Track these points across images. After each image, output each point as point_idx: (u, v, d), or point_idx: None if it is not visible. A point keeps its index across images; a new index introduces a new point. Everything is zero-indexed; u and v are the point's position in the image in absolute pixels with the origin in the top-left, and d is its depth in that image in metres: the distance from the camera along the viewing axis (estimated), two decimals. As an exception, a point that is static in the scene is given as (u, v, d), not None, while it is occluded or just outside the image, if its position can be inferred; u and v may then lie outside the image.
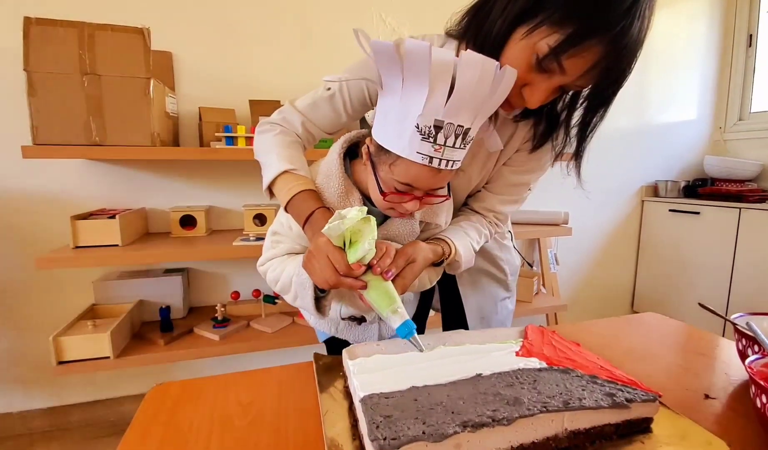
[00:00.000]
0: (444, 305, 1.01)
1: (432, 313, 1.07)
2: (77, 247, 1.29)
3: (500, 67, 0.53)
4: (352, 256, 0.56)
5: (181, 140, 1.60)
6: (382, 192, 0.61)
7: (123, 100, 1.24)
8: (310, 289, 0.62)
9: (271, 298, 1.56)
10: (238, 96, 1.61)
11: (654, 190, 2.45)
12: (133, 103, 1.25)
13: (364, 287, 0.59)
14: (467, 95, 0.52)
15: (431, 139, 0.54)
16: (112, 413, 1.65)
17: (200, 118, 1.51)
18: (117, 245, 1.32)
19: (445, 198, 0.64)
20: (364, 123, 1.49)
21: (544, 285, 2.07)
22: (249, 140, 1.43)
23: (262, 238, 1.42)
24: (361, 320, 0.78)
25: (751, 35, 2.38)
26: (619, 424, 0.47)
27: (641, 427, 0.48)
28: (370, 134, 0.64)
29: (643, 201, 2.44)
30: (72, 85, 1.20)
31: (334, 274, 0.57)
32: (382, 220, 0.69)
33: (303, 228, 0.65)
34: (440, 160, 0.55)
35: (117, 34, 1.22)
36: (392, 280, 0.61)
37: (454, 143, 0.55)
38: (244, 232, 1.56)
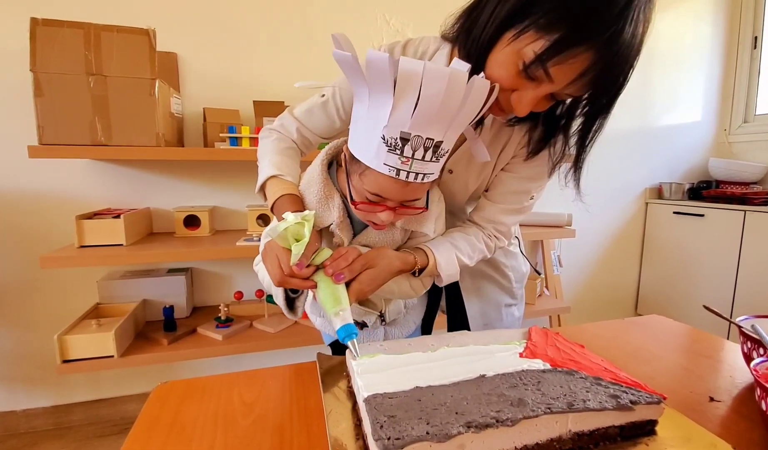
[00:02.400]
0: (449, 308, 1.00)
1: (437, 318, 1.07)
2: (82, 246, 1.30)
3: (472, 78, 0.51)
4: (292, 257, 0.57)
5: (185, 141, 1.61)
6: (353, 201, 0.60)
7: (128, 101, 1.25)
8: (281, 289, 0.64)
9: (274, 299, 1.56)
10: (243, 97, 1.62)
11: (658, 192, 2.45)
12: (139, 104, 1.26)
13: (314, 287, 0.60)
14: (434, 108, 0.50)
15: (398, 152, 0.52)
16: (115, 412, 1.66)
17: (204, 119, 1.51)
18: (121, 245, 1.33)
19: (421, 210, 0.63)
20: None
21: (547, 287, 2.06)
22: (253, 141, 1.43)
23: (266, 239, 1.44)
24: (362, 325, 0.78)
25: (756, 37, 2.36)
26: (624, 426, 0.47)
27: (645, 429, 0.48)
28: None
29: (647, 203, 2.44)
30: (78, 86, 1.21)
31: (281, 273, 0.58)
32: (364, 227, 0.69)
33: None
34: (408, 172, 0.54)
35: (123, 35, 1.23)
36: (348, 284, 0.61)
37: (424, 156, 0.53)
38: (247, 233, 1.56)
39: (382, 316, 0.79)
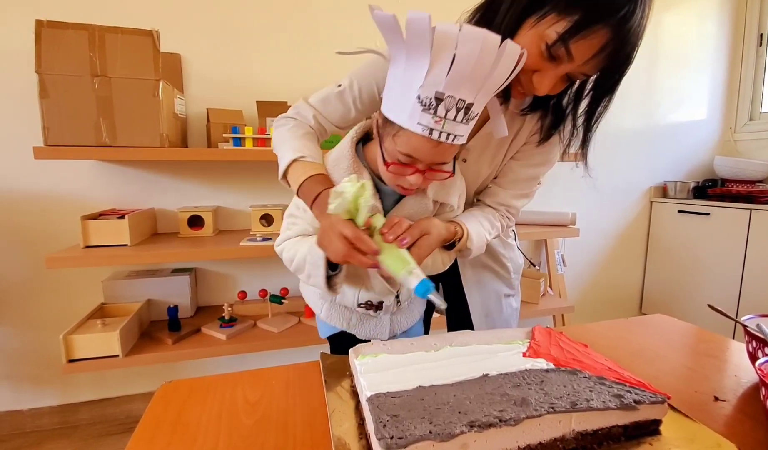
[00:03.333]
0: (448, 305, 1.01)
1: (436, 315, 1.08)
2: (87, 246, 1.31)
3: (504, 42, 0.54)
4: (359, 220, 0.59)
5: (189, 141, 1.61)
6: (385, 162, 0.62)
7: (132, 102, 1.26)
8: (322, 267, 0.64)
9: (278, 298, 1.57)
10: (246, 97, 1.62)
11: (663, 191, 2.43)
12: (143, 105, 1.27)
13: (378, 253, 0.60)
14: (468, 69, 0.53)
15: (432, 111, 0.55)
16: (121, 411, 1.67)
17: (208, 120, 1.52)
18: (126, 245, 1.34)
19: (448, 174, 0.65)
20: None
21: (551, 286, 2.06)
22: (256, 141, 1.44)
23: (269, 239, 1.45)
24: (377, 307, 0.79)
25: (762, 34, 2.35)
26: (627, 426, 0.46)
27: (650, 428, 0.48)
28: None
29: (651, 202, 2.42)
30: (82, 87, 1.22)
31: (347, 245, 0.58)
32: (397, 199, 0.71)
33: (311, 209, 0.67)
34: (440, 132, 0.56)
35: (127, 37, 1.23)
36: (408, 250, 0.62)
37: (455, 117, 0.56)
38: (251, 233, 1.57)
39: (397, 297, 0.80)
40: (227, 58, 1.62)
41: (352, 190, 0.58)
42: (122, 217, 1.34)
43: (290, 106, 1.57)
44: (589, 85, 0.69)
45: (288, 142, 0.73)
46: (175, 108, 1.42)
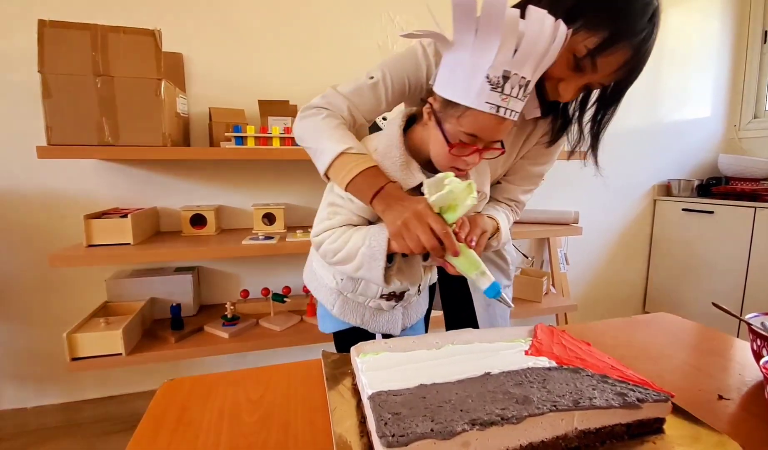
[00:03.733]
0: (446, 303, 1.03)
1: (434, 313, 1.08)
2: (90, 245, 1.31)
3: (557, 21, 0.59)
4: (450, 219, 0.61)
5: (191, 140, 1.62)
6: (449, 143, 0.64)
7: (135, 101, 1.26)
8: (383, 259, 0.65)
9: (280, 297, 1.57)
10: (248, 96, 1.62)
11: (666, 189, 2.42)
12: (145, 104, 1.27)
13: (458, 253, 0.62)
14: (532, 47, 0.58)
15: (499, 89, 0.59)
16: (124, 409, 1.67)
17: (210, 119, 1.52)
18: (129, 244, 1.34)
19: (501, 151, 0.68)
20: (374, 128, 1.50)
21: (553, 285, 2.05)
22: (258, 140, 1.44)
23: (271, 237, 1.45)
24: (399, 297, 0.79)
25: (766, 31, 2.33)
26: (631, 424, 0.46)
27: (653, 427, 0.47)
28: (424, 101, 0.69)
29: (655, 200, 2.41)
30: (85, 87, 1.22)
31: (433, 238, 0.60)
32: None
33: (371, 202, 0.67)
34: (506, 109, 0.60)
35: (129, 36, 1.24)
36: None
37: (518, 94, 0.61)
38: (253, 231, 1.57)
39: (418, 287, 0.82)
40: (229, 57, 1.62)
41: (460, 186, 0.60)
42: (125, 216, 1.34)
43: (289, 102, 1.55)
44: (596, 94, 0.76)
45: (327, 133, 0.71)
46: (177, 107, 1.42)
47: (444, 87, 0.64)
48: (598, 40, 0.63)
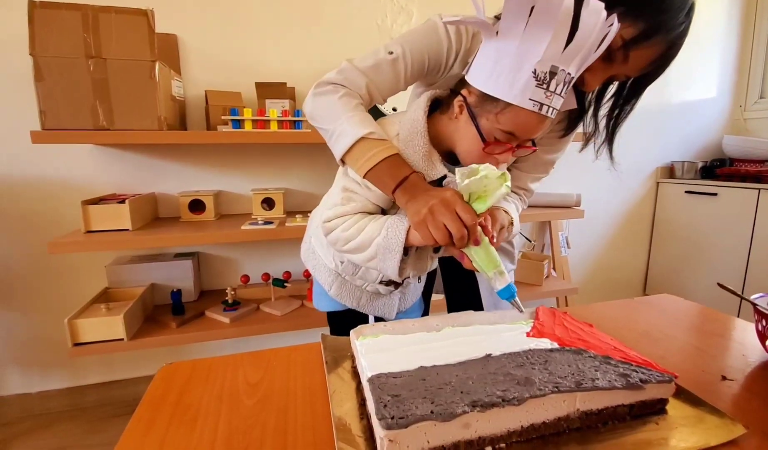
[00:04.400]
0: (448, 287, 1.02)
1: (436, 296, 1.08)
2: (88, 231, 1.30)
3: (611, 16, 0.55)
4: (480, 209, 0.58)
5: (188, 124, 1.59)
6: (484, 141, 0.62)
7: (129, 84, 1.24)
8: (399, 252, 0.63)
9: (281, 282, 1.57)
10: (244, 79, 1.59)
11: (670, 172, 2.39)
12: (139, 87, 1.24)
13: (479, 243, 0.59)
14: (583, 42, 0.54)
15: (545, 86, 0.55)
16: (127, 393, 1.69)
17: (207, 102, 1.50)
18: (127, 230, 1.33)
19: (532, 150, 0.65)
20: (377, 114, 1.48)
21: (554, 268, 2.04)
22: (256, 123, 1.41)
23: (271, 222, 1.43)
24: (399, 284, 0.79)
25: (775, 9, 2.27)
26: (633, 405, 0.46)
27: (656, 408, 0.47)
28: (453, 92, 0.66)
29: (658, 183, 2.39)
30: (78, 69, 1.20)
31: (462, 227, 0.57)
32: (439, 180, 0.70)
33: (393, 192, 0.63)
34: (549, 107, 0.57)
35: (120, 16, 1.20)
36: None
37: (561, 91, 0.57)
38: (252, 216, 1.56)
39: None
40: (225, 38, 1.58)
41: (495, 173, 0.56)
42: (123, 201, 1.33)
43: (287, 84, 1.52)
44: (614, 87, 0.73)
45: (345, 114, 0.66)
46: (172, 90, 1.40)
47: (484, 80, 0.59)
48: (636, 31, 0.59)
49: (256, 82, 1.52)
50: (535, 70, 0.54)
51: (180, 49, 1.54)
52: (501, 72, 0.57)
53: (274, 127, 1.42)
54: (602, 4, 0.53)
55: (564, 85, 0.57)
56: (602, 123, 0.77)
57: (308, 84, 1.65)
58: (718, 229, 2.11)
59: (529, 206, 1.79)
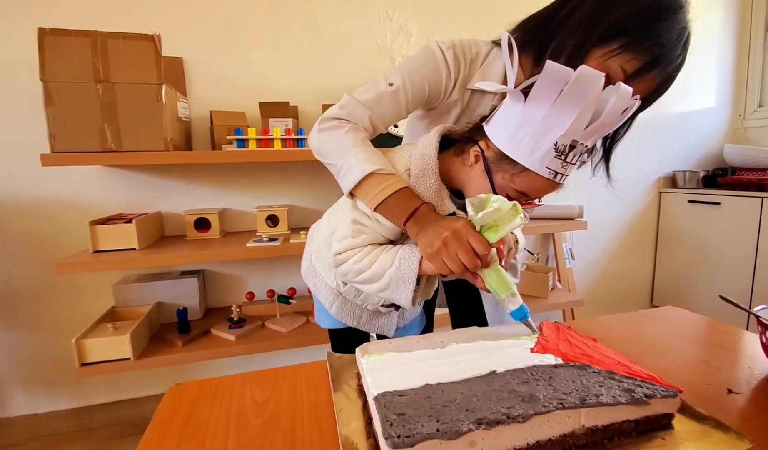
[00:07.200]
0: (451, 302, 1.03)
1: (439, 311, 1.08)
2: (96, 251, 1.32)
3: (633, 101, 0.58)
4: (492, 239, 0.59)
5: (193, 144, 1.62)
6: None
7: (136, 107, 1.27)
8: (412, 282, 0.64)
9: (286, 298, 1.57)
10: (248, 98, 1.63)
11: (672, 181, 2.40)
12: (146, 109, 1.27)
13: (488, 266, 0.61)
14: (605, 122, 0.57)
15: (563, 157, 0.58)
16: (134, 413, 1.69)
17: (211, 122, 1.53)
18: (134, 249, 1.35)
19: (538, 205, 0.68)
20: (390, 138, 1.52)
21: (559, 280, 2.04)
22: (259, 142, 1.44)
23: (275, 239, 1.45)
24: (399, 307, 0.79)
25: (770, 19, 2.30)
26: (639, 421, 0.46)
27: (661, 423, 0.47)
28: (470, 137, 0.67)
29: (660, 192, 2.39)
30: (87, 93, 1.23)
31: (474, 258, 0.58)
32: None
33: (404, 224, 0.64)
34: (563, 175, 0.60)
35: (128, 42, 1.24)
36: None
37: (576, 161, 0.60)
38: (257, 234, 1.57)
39: None
40: (229, 60, 1.62)
41: (506, 205, 0.57)
42: (129, 221, 1.35)
43: (290, 103, 1.54)
44: None
45: (353, 149, 0.67)
46: (178, 111, 1.43)
47: (505, 141, 0.61)
48: (638, 65, 0.62)
49: (259, 102, 1.55)
50: (556, 142, 0.57)
51: (185, 71, 1.58)
52: (523, 137, 0.59)
53: (277, 145, 1.45)
54: (630, 90, 0.55)
55: (580, 156, 0.60)
56: (599, 141, 0.78)
57: (310, 102, 1.70)
58: (722, 238, 2.10)
59: (531, 218, 1.81)
